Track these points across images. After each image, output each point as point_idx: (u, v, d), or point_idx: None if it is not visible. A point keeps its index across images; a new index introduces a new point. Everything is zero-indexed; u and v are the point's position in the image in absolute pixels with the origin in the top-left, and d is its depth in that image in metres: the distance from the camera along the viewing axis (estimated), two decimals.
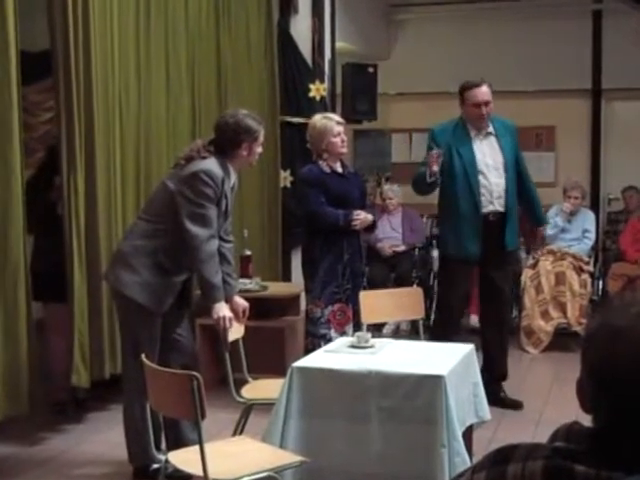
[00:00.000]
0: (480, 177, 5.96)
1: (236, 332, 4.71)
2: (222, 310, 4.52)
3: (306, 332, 5.64)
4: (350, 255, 5.59)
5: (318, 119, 5.70)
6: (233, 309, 4.68)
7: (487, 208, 5.99)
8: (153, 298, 4.56)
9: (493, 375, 6.04)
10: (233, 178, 4.68)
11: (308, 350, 5.32)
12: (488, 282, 6.20)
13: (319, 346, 5.09)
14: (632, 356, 1.36)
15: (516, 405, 6.09)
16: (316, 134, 5.59)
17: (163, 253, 4.55)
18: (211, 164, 4.51)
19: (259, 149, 4.71)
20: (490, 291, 6.20)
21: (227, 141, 4.59)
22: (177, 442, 4.49)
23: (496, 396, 5.91)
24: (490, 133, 6.05)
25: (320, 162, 5.59)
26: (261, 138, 4.68)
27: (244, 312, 4.79)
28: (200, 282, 4.55)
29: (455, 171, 5.96)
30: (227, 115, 4.74)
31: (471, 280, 6.37)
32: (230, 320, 4.53)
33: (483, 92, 5.91)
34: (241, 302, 4.81)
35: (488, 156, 6.01)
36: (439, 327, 6.36)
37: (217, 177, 4.47)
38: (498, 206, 6.00)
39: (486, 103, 5.91)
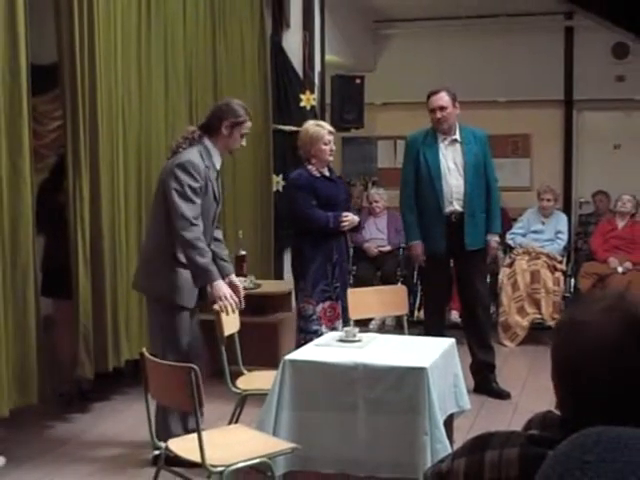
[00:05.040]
0: (442, 179, 6.08)
1: (232, 326, 4.71)
2: (222, 289, 4.49)
3: (299, 328, 5.58)
4: (339, 255, 5.57)
5: (311, 125, 5.66)
6: (232, 286, 4.68)
7: (448, 208, 6.10)
8: (182, 295, 4.57)
9: (479, 367, 6.25)
10: (218, 162, 4.69)
11: (300, 345, 5.29)
12: (461, 279, 6.34)
13: (311, 341, 5.09)
14: (588, 348, 1.36)
15: (503, 395, 6.15)
16: (308, 139, 5.53)
17: (179, 248, 4.54)
18: (192, 155, 4.54)
19: (242, 139, 4.73)
20: (462, 288, 6.33)
21: (212, 117, 4.69)
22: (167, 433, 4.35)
23: (487, 384, 6.18)
24: (456, 140, 6.15)
25: (309, 167, 5.55)
26: (244, 128, 4.70)
27: (238, 290, 4.75)
28: (191, 266, 4.49)
29: (422, 174, 6.12)
30: (223, 99, 4.88)
31: (450, 277, 6.39)
32: (231, 296, 4.52)
33: (437, 98, 6.07)
34: (237, 281, 4.83)
35: (450, 160, 6.11)
36: (425, 319, 6.46)
37: (198, 167, 4.51)
38: (457, 206, 6.10)
39: (440, 108, 6.04)
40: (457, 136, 6.14)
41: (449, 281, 6.46)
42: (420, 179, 6.13)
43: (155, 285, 4.63)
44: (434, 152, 6.10)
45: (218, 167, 4.71)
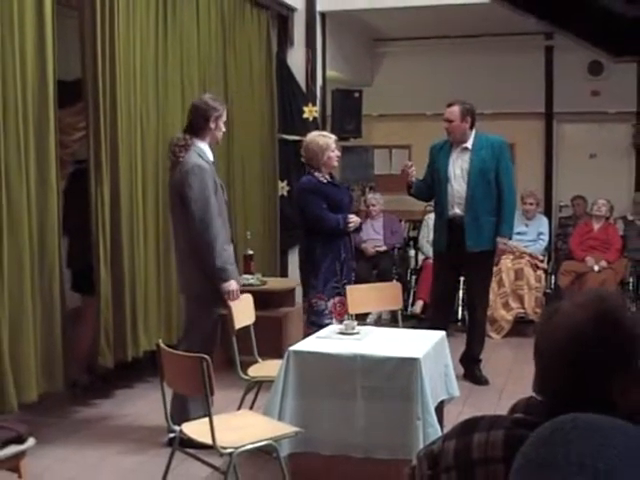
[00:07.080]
0: (448, 184, 6.06)
1: (247, 319, 4.73)
2: (232, 285, 4.58)
3: (311, 322, 5.53)
4: (345, 254, 5.58)
5: (318, 136, 5.61)
6: None
7: (450, 212, 6.08)
8: (212, 291, 4.60)
9: (469, 357, 6.32)
10: (211, 157, 4.72)
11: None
12: (466, 280, 6.39)
13: None
14: (557, 336, 1.37)
15: (482, 382, 6.20)
16: (318, 149, 5.49)
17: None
18: (194, 158, 4.56)
19: (223, 127, 4.76)
20: (467, 287, 6.36)
21: (199, 117, 4.67)
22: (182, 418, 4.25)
23: (472, 373, 6.24)
24: (467, 148, 6.07)
25: (317, 173, 5.53)
26: (224, 116, 4.75)
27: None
28: (207, 267, 4.54)
29: (435, 179, 6.15)
30: (194, 100, 4.90)
31: (453, 274, 6.37)
32: (238, 292, 4.62)
33: (448, 111, 6.07)
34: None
35: (457, 167, 6.06)
36: (429, 313, 6.50)
37: (204, 167, 4.55)
38: (458, 210, 6.06)
39: (447, 120, 6.02)
40: (469, 144, 6.05)
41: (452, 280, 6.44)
42: (434, 184, 6.17)
43: (189, 285, 4.69)
44: (445, 159, 6.08)
45: (212, 160, 4.73)
